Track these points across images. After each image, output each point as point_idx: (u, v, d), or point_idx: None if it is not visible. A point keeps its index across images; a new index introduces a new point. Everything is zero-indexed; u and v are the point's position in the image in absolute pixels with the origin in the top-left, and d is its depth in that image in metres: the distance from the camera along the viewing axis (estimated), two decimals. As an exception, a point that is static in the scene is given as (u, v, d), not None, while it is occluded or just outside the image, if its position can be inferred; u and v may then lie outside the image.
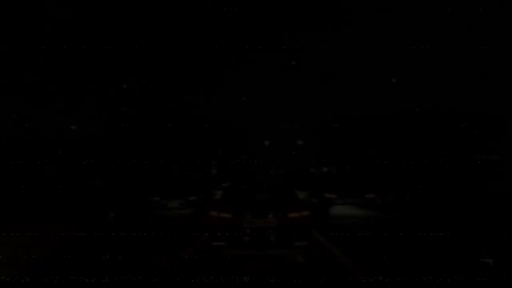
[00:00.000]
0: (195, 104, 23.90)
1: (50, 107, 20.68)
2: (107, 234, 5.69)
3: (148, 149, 28.72)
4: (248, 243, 4.81)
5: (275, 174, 57.17)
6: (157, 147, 29.40)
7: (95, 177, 20.28)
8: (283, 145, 38.99)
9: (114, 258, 5.05)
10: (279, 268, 4.75)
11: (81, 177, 21.39)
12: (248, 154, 52.65)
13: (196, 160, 40.53)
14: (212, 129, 34.18)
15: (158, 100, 24.54)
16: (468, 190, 18.14)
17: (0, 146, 20.35)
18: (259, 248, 4.84)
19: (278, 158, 52.63)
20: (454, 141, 24.71)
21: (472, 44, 13.94)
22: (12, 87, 18.00)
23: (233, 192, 6.23)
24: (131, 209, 11.10)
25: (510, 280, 4.05)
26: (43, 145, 22.52)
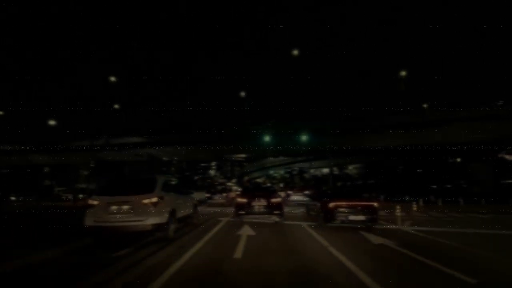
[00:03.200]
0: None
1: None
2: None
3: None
4: (254, 212, 11.14)
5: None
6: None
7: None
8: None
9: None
10: (267, 222, 11.17)
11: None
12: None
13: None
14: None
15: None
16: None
17: None
18: (259, 214, 11.17)
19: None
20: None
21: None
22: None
23: (246, 190, 12.76)
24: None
25: None
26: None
